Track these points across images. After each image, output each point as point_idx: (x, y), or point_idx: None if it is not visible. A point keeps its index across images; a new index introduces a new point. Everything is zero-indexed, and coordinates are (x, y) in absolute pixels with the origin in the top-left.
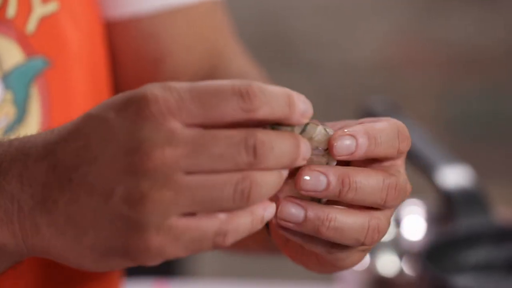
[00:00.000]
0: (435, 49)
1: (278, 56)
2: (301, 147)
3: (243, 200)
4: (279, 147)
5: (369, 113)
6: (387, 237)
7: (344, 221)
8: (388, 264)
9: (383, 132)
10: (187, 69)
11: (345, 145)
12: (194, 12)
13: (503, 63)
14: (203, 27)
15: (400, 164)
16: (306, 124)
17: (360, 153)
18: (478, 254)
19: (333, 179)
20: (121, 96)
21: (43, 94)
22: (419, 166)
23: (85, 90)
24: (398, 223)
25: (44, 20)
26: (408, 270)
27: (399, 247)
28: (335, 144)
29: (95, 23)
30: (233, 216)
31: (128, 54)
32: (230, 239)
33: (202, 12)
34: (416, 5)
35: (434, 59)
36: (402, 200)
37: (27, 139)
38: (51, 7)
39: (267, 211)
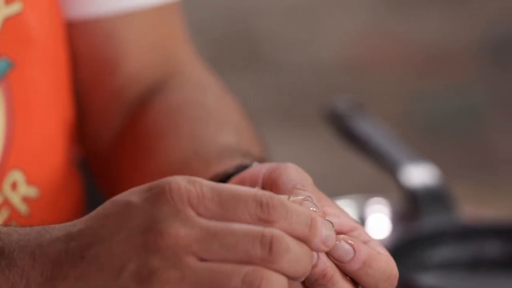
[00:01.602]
0: (401, 48)
1: (244, 55)
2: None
3: None
4: (295, 250)
5: (333, 112)
6: None
7: None
8: None
9: None
10: (143, 73)
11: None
12: (152, 15)
13: (468, 62)
14: (160, 31)
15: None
16: None
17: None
18: (443, 253)
19: (358, 258)
20: (147, 183)
21: (7, 97)
22: (384, 164)
23: (48, 91)
24: (362, 222)
25: (8, 21)
26: None
27: None
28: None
29: (57, 23)
30: None
31: (86, 55)
32: None
33: (160, 16)
34: (381, 4)
35: (399, 57)
36: None
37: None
38: (15, 8)
39: None
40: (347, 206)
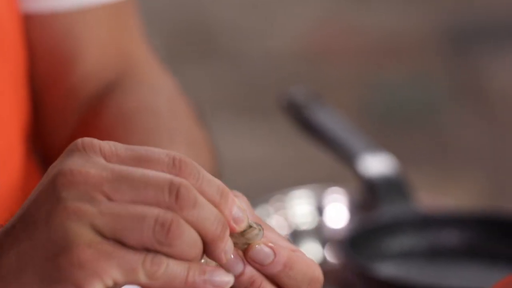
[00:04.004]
0: (357, 37)
1: (198, 45)
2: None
3: (163, 233)
4: (204, 205)
5: (291, 102)
6: (309, 226)
7: None
8: (311, 252)
9: None
10: (100, 70)
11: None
12: (108, 12)
13: (426, 51)
14: (117, 29)
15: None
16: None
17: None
18: (401, 242)
19: (278, 261)
20: None
21: None
22: (341, 154)
23: (5, 86)
24: (320, 211)
25: None
26: (331, 258)
27: (321, 235)
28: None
29: (15, 16)
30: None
31: (43, 50)
32: (160, 271)
33: (116, 13)
34: None
35: (357, 47)
36: None
37: None
38: None
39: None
40: (305, 196)
